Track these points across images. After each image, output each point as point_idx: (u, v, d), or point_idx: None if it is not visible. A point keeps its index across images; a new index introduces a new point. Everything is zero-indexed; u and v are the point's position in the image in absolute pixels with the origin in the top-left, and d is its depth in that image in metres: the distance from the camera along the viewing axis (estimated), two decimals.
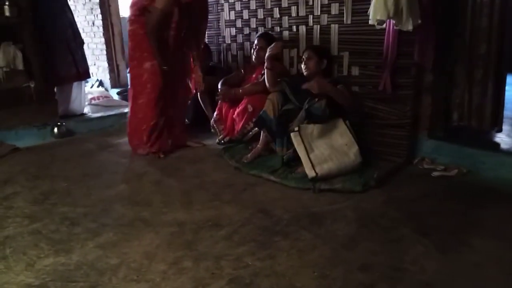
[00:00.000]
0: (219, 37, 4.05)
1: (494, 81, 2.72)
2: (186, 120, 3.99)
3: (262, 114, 2.97)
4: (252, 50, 3.45)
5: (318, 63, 2.90)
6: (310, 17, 3.20)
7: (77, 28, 4.28)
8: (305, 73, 2.94)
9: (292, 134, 2.68)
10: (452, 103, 2.89)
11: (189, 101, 3.78)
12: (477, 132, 2.97)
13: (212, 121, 3.61)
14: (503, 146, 2.93)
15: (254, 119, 3.19)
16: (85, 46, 4.41)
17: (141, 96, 3.26)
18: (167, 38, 3.22)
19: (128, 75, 3.58)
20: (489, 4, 2.63)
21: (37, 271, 1.75)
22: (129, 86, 3.41)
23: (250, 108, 3.24)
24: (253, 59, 3.45)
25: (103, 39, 5.93)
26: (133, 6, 3.20)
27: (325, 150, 2.64)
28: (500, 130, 2.87)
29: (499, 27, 2.64)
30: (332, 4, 3.03)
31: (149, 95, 3.24)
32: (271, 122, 2.91)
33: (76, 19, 4.41)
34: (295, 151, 2.69)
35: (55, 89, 4.06)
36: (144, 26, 3.13)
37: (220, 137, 3.48)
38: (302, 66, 2.95)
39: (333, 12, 3.04)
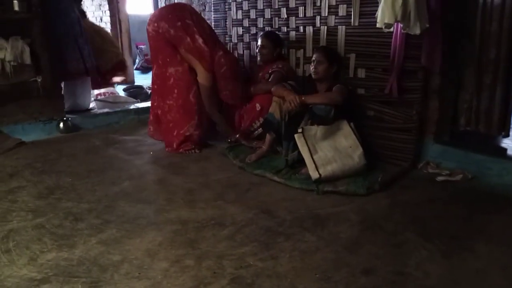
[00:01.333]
0: (226, 36, 4.05)
1: (502, 86, 2.70)
2: None
3: (269, 116, 2.95)
4: (256, 49, 3.46)
5: (328, 68, 2.85)
6: (318, 18, 3.19)
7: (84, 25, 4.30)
8: (313, 76, 2.90)
9: (296, 136, 2.67)
10: (460, 108, 2.88)
11: None
12: (484, 137, 2.95)
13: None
14: (510, 152, 2.91)
15: (261, 118, 3.19)
16: None
17: (169, 97, 3.28)
18: None
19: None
20: (499, 9, 2.62)
21: (39, 266, 1.76)
22: (152, 83, 3.46)
23: (258, 107, 3.24)
24: (258, 59, 3.46)
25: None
26: (169, 26, 3.16)
27: (329, 152, 2.63)
28: (507, 135, 2.85)
29: (509, 32, 2.62)
30: (340, 5, 3.02)
31: (176, 101, 3.26)
32: (279, 124, 2.90)
33: None
34: (299, 152, 2.69)
35: (62, 84, 4.08)
36: (164, 37, 3.17)
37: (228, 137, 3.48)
38: (311, 68, 2.91)
39: (340, 14, 3.03)
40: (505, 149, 2.95)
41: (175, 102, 3.27)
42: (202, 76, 3.23)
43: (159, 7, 4.54)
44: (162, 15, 3.26)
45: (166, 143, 3.39)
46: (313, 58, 2.90)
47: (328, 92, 2.80)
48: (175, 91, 3.25)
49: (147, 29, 3.28)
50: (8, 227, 2.10)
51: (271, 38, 3.36)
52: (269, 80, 3.29)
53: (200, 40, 3.18)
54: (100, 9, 6.06)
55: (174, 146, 3.30)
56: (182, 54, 3.22)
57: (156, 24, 3.20)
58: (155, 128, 3.50)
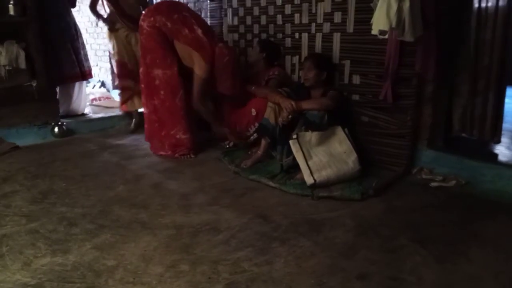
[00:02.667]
0: None
1: (495, 92, 2.74)
2: None
3: (264, 121, 2.96)
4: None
5: (318, 75, 2.87)
6: (313, 25, 3.22)
7: (79, 29, 4.32)
8: (304, 83, 2.93)
9: (290, 142, 2.69)
10: (454, 114, 2.91)
11: None
12: (476, 143, 2.99)
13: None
14: (502, 158, 2.95)
15: (256, 123, 3.20)
16: (88, 47, 4.42)
17: (155, 97, 3.27)
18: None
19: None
20: (493, 17, 2.66)
21: (33, 271, 1.75)
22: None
23: (253, 112, 3.24)
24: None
25: (106, 40, 5.93)
26: (166, 19, 3.14)
27: (324, 157, 2.65)
28: (498, 141, 2.88)
29: (502, 39, 2.67)
30: (335, 12, 3.05)
31: (163, 103, 3.25)
32: (274, 129, 2.91)
33: (80, 19, 4.44)
34: (294, 157, 2.70)
35: (57, 89, 4.07)
36: (159, 36, 3.15)
37: (226, 142, 3.49)
38: (302, 75, 2.94)
39: (336, 21, 3.06)
40: (497, 155, 2.98)
41: (161, 103, 3.26)
42: (200, 67, 3.17)
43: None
44: (159, 9, 3.24)
45: (153, 143, 3.39)
46: (304, 66, 2.94)
47: (320, 98, 2.83)
48: (162, 92, 3.24)
49: (141, 25, 3.22)
50: (1, 232, 2.08)
51: (262, 45, 3.40)
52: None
53: (199, 31, 3.15)
54: None
55: (166, 147, 3.30)
56: (178, 49, 3.19)
57: (152, 18, 3.17)
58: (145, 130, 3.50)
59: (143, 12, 3.31)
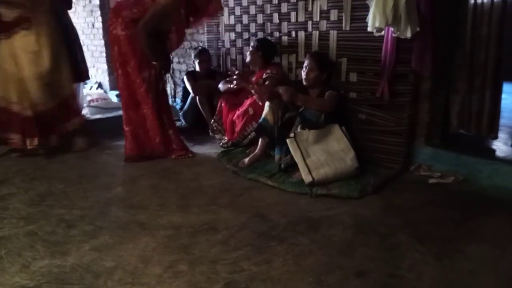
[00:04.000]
0: (219, 41, 4.06)
1: (491, 89, 2.75)
2: (185, 124, 4.02)
3: (262, 121, 2.96)
4: (248, 54, 3.48)
5: (319, 76, 2.87)
6: (309, 23, 3.22)
7: (76, 30, 4.29)
8: (304, 83, 2.93)
9: (288, 140, 2.69)
10: (451, 111, 2.91)
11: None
12: (474, 139, 2.99)
13: (212, 121, 3.63)
14: (499, 154, 2.95)
15: (254, 122, 3.20)
16: (84, 48, 4.40)
17: (144, 105, 3.15)
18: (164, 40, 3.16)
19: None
20: (488, 13, 2.67)
21: (32, 273, 1.74)
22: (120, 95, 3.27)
23: (251, 111, 3.24)
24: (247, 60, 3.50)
25: (102, 41, 5.92)
26: (130, 8, 3.00)
27: (322, 155, 2.65)
28: (496, 137, 2.89)
29: (497, 36, 2.67)
30: (331, 10, 3.05)
31: (153, 106, 3.16)
32: (272, 129, 2.91)
33: (76, 20, 4.42)
34: (292, 157, 2.70)
35: None
36: (135, 24, 2.98)
37: (224, 141, 3.49)
38: (302, 73, 2.93)
39: (332, 19, 3.06)
40: (494, 151, 2.99)
41: (151, 108, 3.15)
42: None
43: None
44: (118, 7, 3.11)
45: (143, 157, 3.23)
46: (305, 64, 2.92)
47: (320, 99, 2.82)
48: (150, 96, 3.13)
49: (115, 34, 3.04)
50: None
51: (260, 44, 3.38)
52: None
53: None
54: (92, 15, 6.02)
55: (163, 149, 3.25)
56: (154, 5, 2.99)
57: (120, 19, 3.01)
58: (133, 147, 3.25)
59: (108, 21, 3.12)
